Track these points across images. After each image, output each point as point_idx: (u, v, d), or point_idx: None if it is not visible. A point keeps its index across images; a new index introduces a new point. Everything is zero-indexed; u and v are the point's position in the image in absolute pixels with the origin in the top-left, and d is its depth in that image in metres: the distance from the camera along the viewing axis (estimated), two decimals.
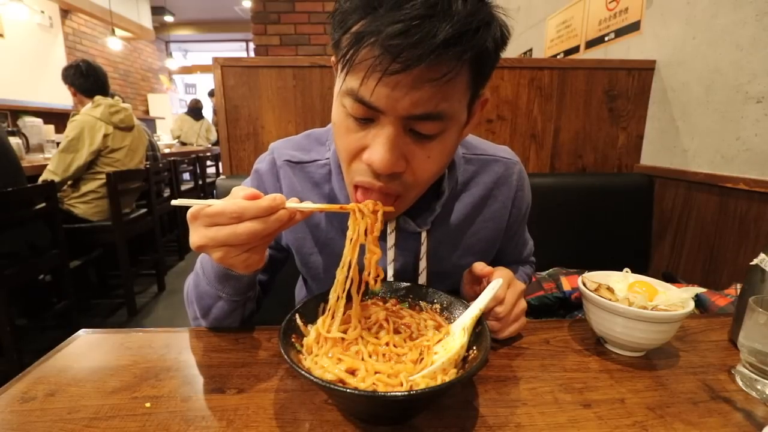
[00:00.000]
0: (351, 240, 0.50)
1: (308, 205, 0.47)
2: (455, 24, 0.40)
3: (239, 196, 0.45)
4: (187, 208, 0.46)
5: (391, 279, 0.65)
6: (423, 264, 0.66)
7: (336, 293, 0.50)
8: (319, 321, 0.49)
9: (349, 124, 0.49)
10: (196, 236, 0.46)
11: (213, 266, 0.55)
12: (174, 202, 0.49)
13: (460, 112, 0.49)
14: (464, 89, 0.47)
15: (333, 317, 0.49)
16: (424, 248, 0.66)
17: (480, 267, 0.60)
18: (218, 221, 0.45)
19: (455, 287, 0.70)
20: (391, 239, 0.64)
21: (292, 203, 0.46)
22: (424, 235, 0.65)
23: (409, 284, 0.58)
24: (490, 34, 0.44)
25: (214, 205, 0.45)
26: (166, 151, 4.33)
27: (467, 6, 0.42)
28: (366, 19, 0.42)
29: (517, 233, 0.77)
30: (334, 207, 0.49)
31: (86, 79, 2.28)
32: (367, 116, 0.47)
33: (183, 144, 5.43)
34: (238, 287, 0.57)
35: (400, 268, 0.67)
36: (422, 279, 0.67)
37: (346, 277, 0.49)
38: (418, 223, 0.64)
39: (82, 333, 0.61)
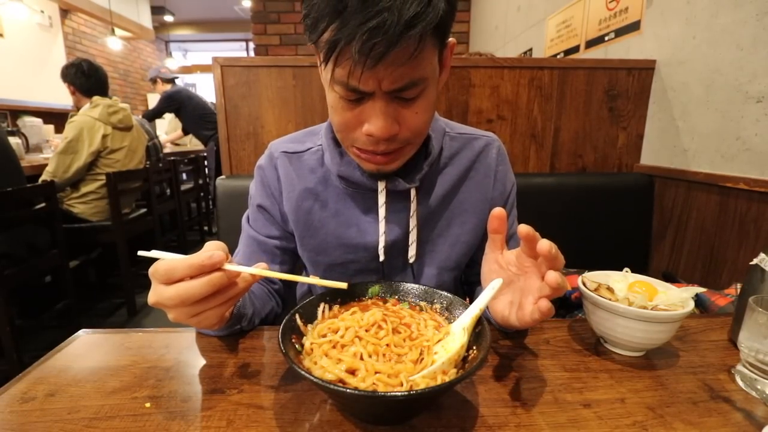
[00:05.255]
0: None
1: (248, 269, 0.46)
2: (411, 7, 0.45)
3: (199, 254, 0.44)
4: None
5: (382, 237, 0.68)
6: (413, 222, 0.69)
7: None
8: (317, 329, 0.49)
9: (344, 105, 0.56)
10: (150, 294, 0.45)
11: None
12: (141, 253, 0.48)
13: (433, 70, 0.56)
14: (432, 52, 0.54)
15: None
16: (413, 206, 0.69)
17: (526, 229, 0.47)
18: (159, 279, 0.44)
19: (443, 267, 0.74)
20: (381, 197, 0.68)
21: (233, 266, 0.45)
22: (413, 193, 0.69)
23: (409, 284, 0.58)
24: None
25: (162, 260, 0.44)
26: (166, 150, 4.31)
27: None
28: (336, 23, 0.47)
29: (511, 224, 0.76)
30: (297, 278, 0.48)
31: (87, 78, 2.27)
32: (358, 97, 0.54)
33: (177, 145, 5.40)
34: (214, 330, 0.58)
35: (390, 230, 0.70)
36: (412, 237, 0.70)
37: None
38: (407, 180, 0.67)
39: (82, 333, 0.61)
